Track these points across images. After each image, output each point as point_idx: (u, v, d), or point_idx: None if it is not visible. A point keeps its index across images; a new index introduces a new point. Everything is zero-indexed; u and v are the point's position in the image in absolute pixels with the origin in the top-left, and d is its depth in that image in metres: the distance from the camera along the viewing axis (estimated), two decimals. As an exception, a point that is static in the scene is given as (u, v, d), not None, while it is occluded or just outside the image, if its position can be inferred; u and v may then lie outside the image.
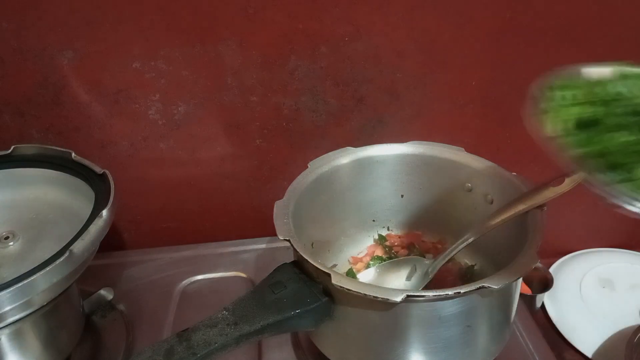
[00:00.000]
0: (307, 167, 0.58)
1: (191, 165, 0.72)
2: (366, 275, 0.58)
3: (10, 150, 0.58)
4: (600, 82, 0.44)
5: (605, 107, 0.42)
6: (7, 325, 0.44)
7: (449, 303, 0.43)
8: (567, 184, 0.47)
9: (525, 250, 0.45)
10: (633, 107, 0.41)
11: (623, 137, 0.40)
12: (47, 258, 0.43)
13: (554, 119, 0.42)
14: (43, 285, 0.42)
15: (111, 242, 0.73)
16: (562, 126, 0.42)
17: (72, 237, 0.46)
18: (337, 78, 0.67)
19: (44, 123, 0.66)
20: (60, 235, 0.48)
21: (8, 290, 0.40)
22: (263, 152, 0.72)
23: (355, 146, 0.61)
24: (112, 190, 0.52)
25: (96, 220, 0.48)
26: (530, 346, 0.58)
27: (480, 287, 0.41)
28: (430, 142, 0.61)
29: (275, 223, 0.49)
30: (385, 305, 0.42)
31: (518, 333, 0.59)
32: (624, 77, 0.44)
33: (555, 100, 0.43)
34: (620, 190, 0.37)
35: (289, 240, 0.47)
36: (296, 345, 0.58)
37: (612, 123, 0.41)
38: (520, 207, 0.50)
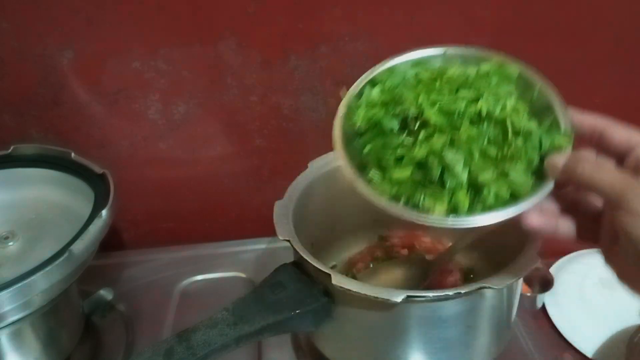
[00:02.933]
0: (307, 167, 0.58)
1: (191, 165, 0.72)
2: (366, 276, 0.58)
3: (10, 150, 0.58)
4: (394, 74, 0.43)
5: (383, 110, 0.40)
6: (7, 325, 0.44)
7: (450, 303, 0.43)
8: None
9: (526, 250, 0.45)
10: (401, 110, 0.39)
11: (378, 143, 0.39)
12: (47, 258, 0.43)
13: (345, 120, 0.42)
14: (43, 285, 0.42)
15: (111, 242, 0.73)
16: (341, 131, 0.41)
17: (72, 237, 0.46)
18: (337, 78, 0.66)
19: (44, 123, 0.66)
20: (60, 235, 0.48)
21: (8, 290, 0.40)
22: (263, 152, 0.72)
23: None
24: (111, 190, 0.52)
25: (96, 220, 0.48)
26: (531, 346, 0.58)
27: (480, 288, 0.41)
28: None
29: (275, 223, 0.49)
30: (386, 305, 0.42)
31: (518, 333, 0.59)
32: (416, 64, 0.43)
33: (361, 98, 0.42)
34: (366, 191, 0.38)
35: (289, 241, 0.47)
36: (296, 345, 0.58)
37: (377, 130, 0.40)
38: (521, 207, 0.50)
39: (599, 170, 0.34)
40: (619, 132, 0.37)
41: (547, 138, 0.37)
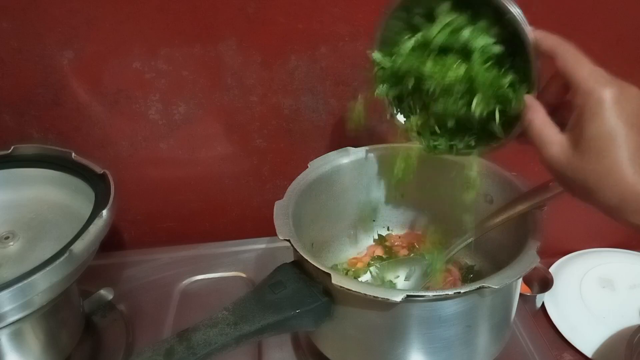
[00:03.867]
0: (307, 167, 0.58)
1: (191, 165, 0.72)
2: (366, 275, 0.58)
3: (10, 150, 0.58)
4: None
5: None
6: (7, 325, 0.44)
7: (449, 303, 0.43)
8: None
9: (525, 250, 0.45)
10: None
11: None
12: (47, 258, 0.43)
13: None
14: (43, 285, 0.42)
15: (111, 242, 0.73)
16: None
17: (72, 237, 0.46)
18: (337, 78, 0.67)
19: (44, 123, 0.66)
20: (60, 235, 0.48)
21: (8, 290, 0.40)
22: (263, 152, 0.72)
23: (355, 146, 0.61)
24: (112, 190, 0.52)
25: (96, 220, 0.48)
26: (530, 346, 0.58)
27: (480, 287, 0.41)
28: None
29: (275, 223, 0.49)
30: (385, 305, 0.42)
31: (518, 333, 0.59)
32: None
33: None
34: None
35: (289, 240, 0.47)
36: (296, 345, 0.58)
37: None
38: (520, 207, 0.50)
39: (534, 119, 0.41)
40: (560, 61, 0.41)
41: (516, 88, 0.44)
